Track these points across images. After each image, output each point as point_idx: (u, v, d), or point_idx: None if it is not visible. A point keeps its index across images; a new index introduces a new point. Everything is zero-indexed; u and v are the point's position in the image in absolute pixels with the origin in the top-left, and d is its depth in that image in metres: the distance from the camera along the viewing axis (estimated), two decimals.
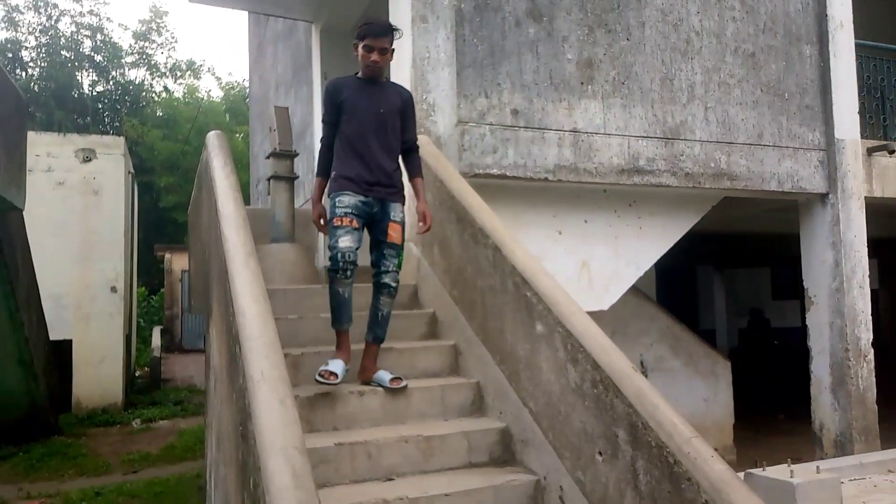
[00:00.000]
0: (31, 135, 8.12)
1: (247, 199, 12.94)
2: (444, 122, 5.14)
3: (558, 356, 3.07)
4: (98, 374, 11.07)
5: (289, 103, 9.72)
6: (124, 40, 32.90)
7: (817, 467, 4.77)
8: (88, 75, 29.87)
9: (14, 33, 27.36)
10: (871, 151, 6.82)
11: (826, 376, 6.57)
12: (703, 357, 8.11)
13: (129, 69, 30.94)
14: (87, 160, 10.97)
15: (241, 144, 27.84)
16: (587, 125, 5.66)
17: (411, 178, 3.78)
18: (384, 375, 3.57)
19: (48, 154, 10.81)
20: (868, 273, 6.63)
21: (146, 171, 24.99)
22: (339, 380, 3.35)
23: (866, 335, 6.51)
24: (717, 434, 7.84)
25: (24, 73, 26.76)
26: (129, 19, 55.74)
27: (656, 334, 7.93)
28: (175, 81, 32.97)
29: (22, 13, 27.37)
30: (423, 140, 4.78)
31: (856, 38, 6.83)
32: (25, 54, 27.86)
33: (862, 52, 7.26)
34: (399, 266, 3.67)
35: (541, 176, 5.48)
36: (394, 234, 3.62)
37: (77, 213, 10.95)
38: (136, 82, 31.03)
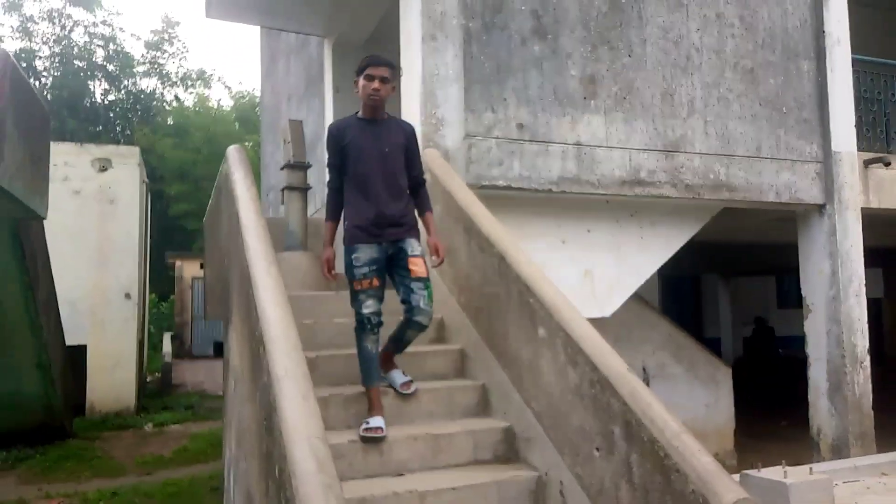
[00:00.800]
0: None
1: None
2: (453, 135, 5.35)
3: (559, 359, 3.27)
4: (112, 379, 11.31)
5: (301, 115, 9.97)
6: (136, 50, 33.46)
7: (810, 469, 4.94)
8: (101, 84, 30.34)
9: (28, 43, 27.83)
10: (867, 163, 7.00)
11: (823, 382, 6.73)
12: (704, 364, 8.28)
13: (140, 78, 31.41)
14: (103, 170, 11.25)
15: (251, 153, 28.14)
16: (590, 138, 5.87)
17: (421, 214, 3.82)
18: (397, 377, 3.70)
19: (65, 163, 11.09)
20: (864, 282, 6.79)
21: (156, 179, 25.33)
22: (384, 433, 3.38)
23: (862, 342, 6.67)
24: (718, 439, 8.00)
25: (37, 83, 27.18)
26: (142, 30, 56.54)
27: (658, 341, 8.10)
28: (186, 91, 33.42)
29: (36, 23, 27.84)
30: (431, 153, 5.01)
31: (853, 53, 7.03)
32: (39, 63, 28.30)
33: (862, 68, 7.47)
34: (430, 299, 3.62)
35: (545, 187, 5.68)
36: (416, 268, 3.60)
37: (93, 221, 11.22)
38: (148, 91, 31.48)
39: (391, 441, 3.40)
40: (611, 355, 3.01)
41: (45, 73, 28.45)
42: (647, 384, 7.90)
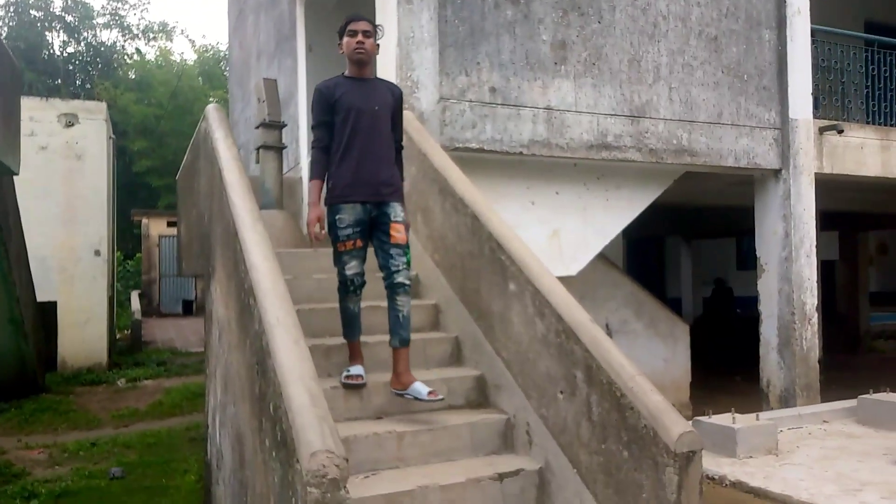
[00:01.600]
0: None
1: None
2: (427, 98, 5.50)
3: (528, 311, 3.52)
4: (83, 335, 11.36)
5: (272, 73, 9.94)
6: (96, 0, 32.28)
7: (757, 416, 5.35)
8: (59, 36, 29.40)
9: None
10: (822, 131, 7.33)
11: (773, 338, 7.15)
12: (663, 321, 8.68)
13: (101, 30, 30.51)
14: (69, 125, 11.11)
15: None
16: (560, 103, 6.06)
17: None
18: (421, 388, 3.49)
19: (31, 118, 10.90)
20: (815, 244, 7.17)
21: (119, 134, 24.74)
22: (364, 380, 3.55)
23: (811, 300, 7.09)
24: (674, 392, 8.44)
25: None
26: None
27: (621, 299, 8.46)
28: (147, 43, 32.56)
29: None
30: (407, 116, 5.12)
31: (812, 23, 7.29)
32: None
33: (825, 38, 7.75)
34: (408, 264, 3.62)
35: (516, 150, 5.88)
36: (397, 234, 3.58)
37: (60, 177, 11.12)
38: (108, 44, 30.61)
39: (370, 388, 3.63)
40: (575, 307, 3.27)
41: None
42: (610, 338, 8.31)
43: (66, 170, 11.17)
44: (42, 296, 10.20)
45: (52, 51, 28.97)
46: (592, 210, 6.46)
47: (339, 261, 3.58)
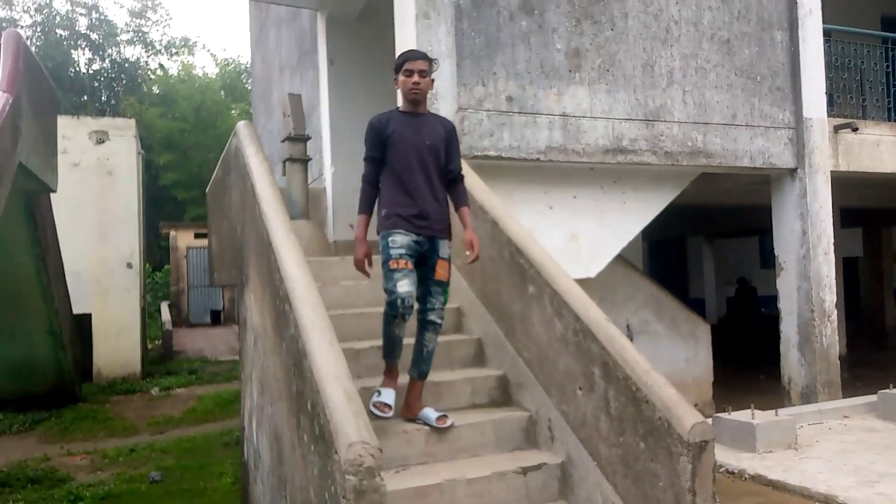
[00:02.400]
0: None
1: None
2: (446, 109, 5.69)
3: (546, 312, 3.68)
4: (117, 346, 11.73)
5: (294, 87, 10.23)
6: (119, 18, 33.10)
7: (776, 412, 5.44)
8: (84, 53, 30.12)
9: (9, 12, 27.56)
10: (837, 129, 7.40)
11: (794, 335, 7.22)
12: (684, 321, 8.77)
13: (124, 47, 31.19)
14: (100, 142, 11.49)
15: (237, 121, 28.21)
16: (575, 109, 6.22)
17: (457, 208, 3.76)
18: (430, 413, 3.58)
19: (63, 136, 11.21)
20: (832, 241, 7.24)
21: (145, 148, 25.30)
22: (391, 412, 3.46)
23: (830, 297, 7.15)
24: (696, 391, 8.52)
25: None
26: None
27: (641, 300, 8.56)
28: (170, 58, 33.23)
29: None
30: None
31: (825, 23, 7.37)
32: (20, 33, 28.01)
33: (837, 37, 7.83)
34: (445, 303, 3.67)
35: (533, 157, 6.05)
36: (441, 271, 3.61)
37: (92, 193, 11.50)
38: (132, 60, 31.27)
39: (400, 389, 3.81)
40: (591, 307, 3.43)
41: (27, 43, 28.16)
42: (631, 340, 8.41)
43: (98, 186, 11.56)
44: (77, 308, 10.56)
45: (77, 68, 29.70)
46: (610, 213, 6.60)
47: (389, 279, 3.46)
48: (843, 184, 8.28)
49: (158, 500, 5.80)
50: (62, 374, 9.51)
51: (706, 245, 19.88)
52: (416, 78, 3.57)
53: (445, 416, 3.61)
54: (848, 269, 15.24)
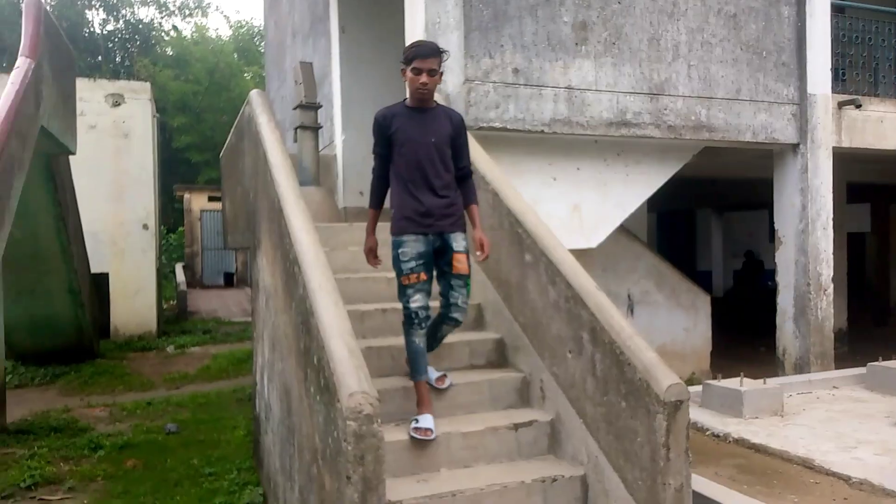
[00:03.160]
0: None
1: None
2: (453, 80, 5.83)
3: (542, 280, 3.89)
4: (133, 305, 12.07)
5: (307, 53, 10.34)
6: None
7: (764, 380, 5.66)
8: (98, 14, 30.14)
9: None
10: (841, 105, 7.47)
11: (790, 308, 7.41)
12: (685, 292, 8.95)
13: (138, 8, 31.15)
14: (116, 104, 11.68)
15: (251, 85, 28.34)
16: (580, 82, 6.34)
17: (466, 206, 3.75)
18: (431, 373, 3.73)
19: (80, 98, 11.35)
20: (832, 216, 7.36)
21: (158, 111, 25.45)
22: (434, 434, 3.43)
23: (827, 271, 7.30)
24: (695, 360, 8.75)
25: None
26: None
27: (643, 271, 8.74)
28: (184, 20, 33.21)
29: None
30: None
31: None
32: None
33: (853, 14, 7.85)
34: (468, 296, 3.69)
35: (538, 128, 6.20)
36: (459, 265, 3.59)
37: (109, 155, 11.73)
38: (146, 21, 31.27)
39: (402, 348, 4.05)
40: (583, 275, 3.62)
41: (47, 9, 28.17)
42: (632, 310, 8.64)
43: (115, 148, 11.79)
44: (95, 268, 10.86)
45: (92, 28, 29.74)
46: (612, 185, 6.75)
47: (403, 294, 3.55)
48: (850, 159, 8.37)
49: (175, 450, 6.11)
50: (81, 330, 9.84)
51: (715, 218, 19.93)
52: (424, 78, 3.50)
53: (445, 375, 3.79)
54: (855, 245, 15.33)
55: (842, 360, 7.78)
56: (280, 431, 4.04)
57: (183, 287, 15.91)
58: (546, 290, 3.84)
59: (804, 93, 7.20)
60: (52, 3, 28.05)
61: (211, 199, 21.30)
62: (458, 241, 3.62)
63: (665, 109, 6.65)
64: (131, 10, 30.77)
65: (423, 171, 3.56)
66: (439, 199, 3.58)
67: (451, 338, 4.26)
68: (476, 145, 4.86)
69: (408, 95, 3.67)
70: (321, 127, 7.30)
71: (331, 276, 3.20)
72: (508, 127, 6.08)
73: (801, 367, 7.30)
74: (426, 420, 3.52)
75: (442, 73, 3.65)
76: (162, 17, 32.24)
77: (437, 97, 5.55)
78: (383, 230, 3.74)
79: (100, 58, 29.49)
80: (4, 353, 7.04)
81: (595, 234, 6.73)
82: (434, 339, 3.80)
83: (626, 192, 6.82)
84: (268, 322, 4.46)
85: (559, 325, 3.71)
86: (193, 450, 6.06)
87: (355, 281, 4.67)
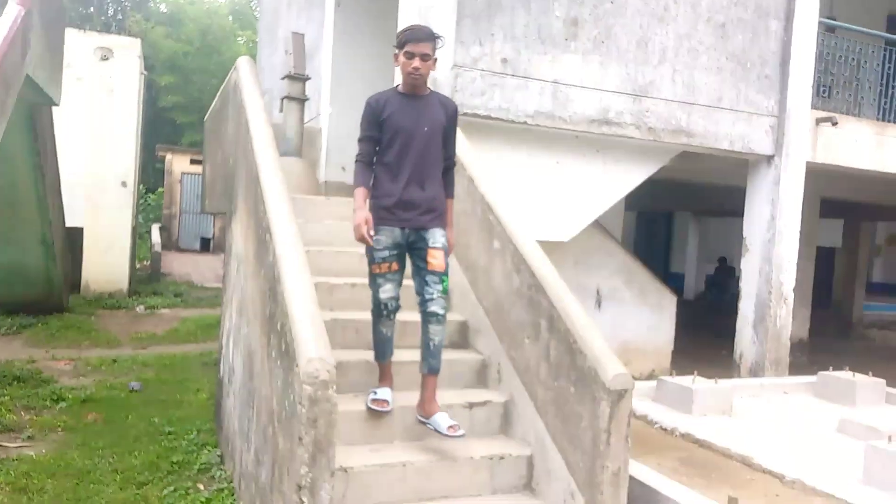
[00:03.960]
0: None
1: None
2: (442, 65, 5.84)
3: (507, 267, 4.01)
4: (106, 262, 12.01)
5: (301, 24, 10.31)
6: None
7: (716, 380, 5.85)
8: None
9: None
10: (818, 122, 7.65)
11: (750, 314, 7.63)
12: (652, 291, 9.14)
13: None
14: (104, 59, 11.56)
15: (243, 50, 28.05)
16: (566, 77, 6.44)
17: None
18: (442, 421, 3.45)
19: (68, 50, 11.30)
20: (798, 229, 7.57)
21: (147, 68, 25.07)
22: (390, 406, 3.50)
23: (789, 282, 7.52)
24: (656, 358, 8.96)
25: None
26: None
27: (614, 267, 8.91)
28: None
29: None
30: None
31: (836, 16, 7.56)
32: None
33: (844, 34, 8.02)
34: (445, 291, 3.53)
35: (521, 120, 6.29)
36: (434, 261, 3.48)
37: (93, 109, 11.62)
38: None
39: (367, 323, 4.15)
40: (546, 265, 3.75)
41: None
42: (600, 304, 8.81)
43: (99, 103, 11.67)
44: (70, 222, 10.78)
45: None
46: (589, 181, 6.88)
47: (373, 283, 3.52)
48: (825, 175, 8.57)
49: (136, 407, 6.17)
50: (51, 283, 9.80)
51: (693, 222, 20.24)
52: (416, 63, 3.40)
53: (457, 425, 3.45)
54: (825, 259, 15.69)
55: (800, 369, 8.00)
56: (241, 394, 4.14)
57: (157, 248, 15.83)
58: (511, 277, 3.96)
59: (783, 106, 7.37)
60: None
61: (193, 161, 21.12)
62: (435, 238, 3.52)
63: (647, 111, 6.78)
64: None
65: (412, 161, 3.47)
66: (423, 192, 3.51)
67: (417, 317, 4.36)
68: (458, 130, 4.95)
69: (400, 81, 3.59)
70: (308, 99, 7.32)
71: (300, 245, 3.29)
72: (492, 115, 6.17)
73: (756, 372, 7.53)
74: (384, 392, 3.61)
75: (436, 60, 3.54)
76: None
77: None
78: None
79: (91, 9, 28.98)
80: None
81: (569, 227, 6.87)
82: (430, 353, 3.53)
83: (603, 189, 6.96)
84: (237, 287, 4.54)
85: (520, 312, 3.84)
86: (155, 409, 6.13)
87: (328, 254, 4.75)
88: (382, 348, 3.68)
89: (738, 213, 18.10)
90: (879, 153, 8.05)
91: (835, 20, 8.48)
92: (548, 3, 6.33)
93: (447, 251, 3.58)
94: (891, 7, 11.33)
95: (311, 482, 2.62)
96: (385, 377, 3.71)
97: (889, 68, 8.36)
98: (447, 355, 4.15)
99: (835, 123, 7.60)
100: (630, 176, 7.08)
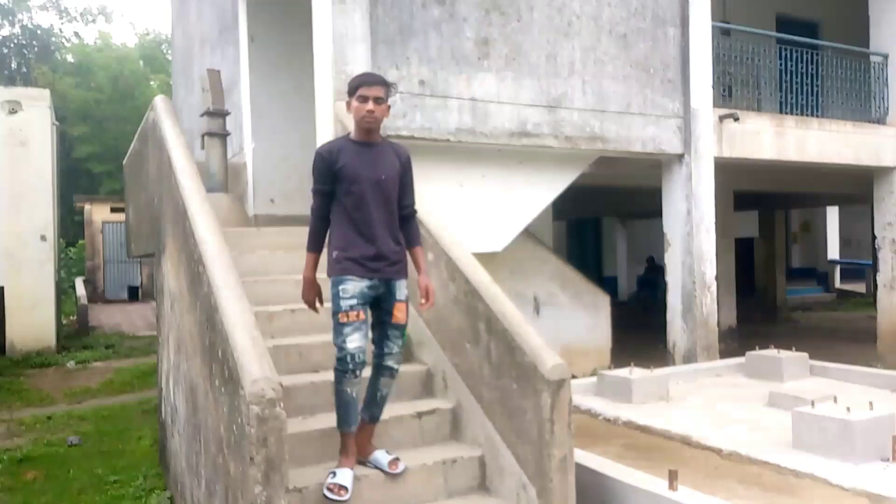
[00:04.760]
0: None
1: None
2: None
3: (443, 276, 4.13)
4: (31, 320, 11.55)
5: (215, 62, 10.27)
6: None
7: (651, 369, 6.11)
8: None
9: None
10: (721, 119, 8.14)
11: (678, 305, 7.98)
12: (586, 293, 9.45)
13: (37, 12, 29.83)
14: (13, 112, 11.22)
15: (157, 93, 27.53)
16: (483, 94, 6.68)
17: (410, 248, 3.57)
18: (382, 458, 3.43)
19: None
20: (714, 220, 8.01)
21: (58, 119, 24.26)
22: (348, 495, 3.18)
23: (710, 271, 7.93)
24: (596, 356, 9.22)
25: None
26: None
27: (548, 274, 9.18)
28: (86, 26, 31.94)
29: None
30: (341, 107, 5.68)
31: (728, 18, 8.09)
32: None
33: (739, 36, 8.58)
34: (403, 345, 3.50)
35: (444, 137, 6.48)
36: (399, 314, 3.42)
37: (5, 163, 11.25)
38: (45, 27, 29.90)
39: (310, 346, 4.19)
40: (480, 271, 3.89)
41: None
42: (538, 310, 9.03)
43: (11, 157, 11.30)
44: None
45: None
46: (515, 191, 7.11)
47: (339, 334, 3.26)
48: (735, 169, 9.10)
49: (78, 461, 5.97)
50: None
51: (619, 226, 20.94)
52: (370, 105, 3.31)
53: (398, 459, 3.45)
54: (744, 249, 16.49)
55: (733, 355, 8.36)
56: (186, 431, 4.10)
57: (84, 301, 15.28)
58: (447, 286, 4.09)
59: (688, 107, 7.82)
60: None
61: (114, 209, 20.53)
62: (400, 290, 3.44)
63: (562, 121, 7.08)
64: (29, 14, 29.37)
65: (374, 210, 3.34)
66: (390, 241, 3.40)
67: None
68: None
69: (352, 129, 3.48)
70: (229, 134, 7.33)
71: (234, 272, 3.33)
72: (416, 135, 6.33)
73: (689, 359, 7.87)
74: (344, 476, 3.24)
75: (389, 107, 3.48)
76: (62, 23, 30.96)
77: (342, 105, 5.75)
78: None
79: None
80: None
81: (500, 238, 7.07)
82: (375, 403, 3.46)
83: (529, 198, 7.20)
84: (173, 325, 4.50)
85: (459, 319, 3.96)
86: (97, 460, 5.95)
87: (264, 283, 4.77)
88: (346, 413, 3.31)
89: (661, 213, 18.87)
90: (779, 143, 8.61)
91: (728, 24, 9.08)
92: (458, 25, 6.57)
93: (408, 303, 3.52)
94: (778, 8, 12.16)
95: (266, 500, 2.65)
96: (347, 452, 3.34)
97: (781, 64, 8.98)
98: None
99: (737, 119, 8.10)
100: (553, 184, 7.36)
